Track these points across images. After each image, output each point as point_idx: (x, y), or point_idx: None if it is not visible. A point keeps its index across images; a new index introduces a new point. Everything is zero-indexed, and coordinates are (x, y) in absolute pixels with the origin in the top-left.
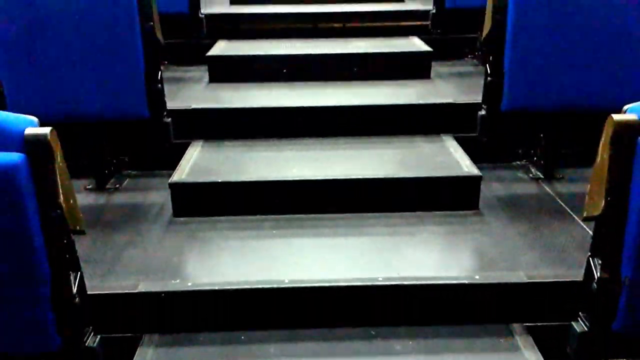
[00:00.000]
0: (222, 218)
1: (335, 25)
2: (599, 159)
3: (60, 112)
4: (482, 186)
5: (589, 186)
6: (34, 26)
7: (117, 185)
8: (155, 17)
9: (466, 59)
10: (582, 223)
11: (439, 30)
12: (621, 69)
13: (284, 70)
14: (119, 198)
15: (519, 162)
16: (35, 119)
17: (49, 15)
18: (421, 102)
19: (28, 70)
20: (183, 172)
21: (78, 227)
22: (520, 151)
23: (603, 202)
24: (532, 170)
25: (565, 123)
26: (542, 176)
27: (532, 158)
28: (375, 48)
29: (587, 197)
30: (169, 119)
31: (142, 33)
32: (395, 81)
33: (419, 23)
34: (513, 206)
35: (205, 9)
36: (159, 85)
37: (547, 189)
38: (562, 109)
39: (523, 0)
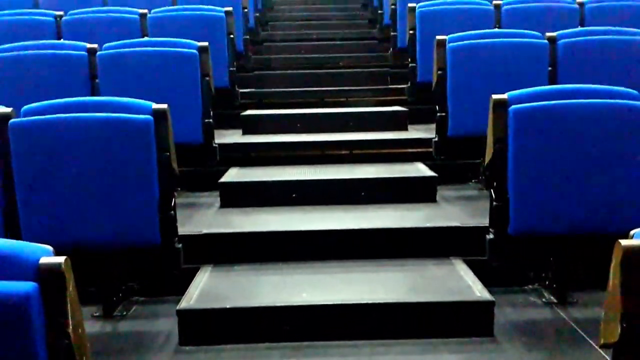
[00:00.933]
0: (229, 346)
1: (343, 152)
2: (610, 284)
3: (71, 239)
4: (495, 311)
5: (603, 312)
6: (52, 158)
7: (125, 312)
8: (172, 147)
9: (470, 183)
10: (600, 350)
11: (442, 157)
12: (625, 193)
13: (294, 195)
14: (126, 326)
15: (531, 286)
16: (50, 248)
17: (67, 146)
18: (429, 225)
19: (44, 198)
20: (191, 298)
21: (85, 358)
22: (532, 274)
23: (619, 328)
24: (545, 294)
25: (574, 246)
26: (555, 300)
27: (544, 281)
28: (382, 173)
29: (602, 323)
30: (180, 245)
31: (158, 163)
32: (402, 205)
33: (422, 150)
34: (529, 332)
35: (219, 139)
36: (172, 212)
37: (562, 314)
38: (570, 232)
39: (522, 130)
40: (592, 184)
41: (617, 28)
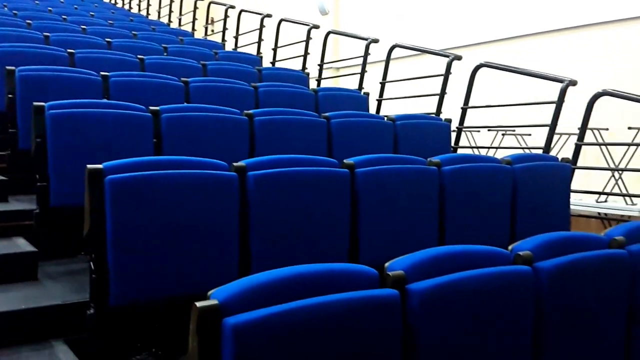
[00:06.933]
0: None
1: None
2: (190, 345)
3: None
4: None
5: None
6: None
7: None
8: None
9: (79, 256)
10: None
11: (45, 229)
12: (211, 257)
13: None
14: None
15: (139, 356)
16: None
17: None
18: (24, 307)
19: None
20: None
21: None
22: (139, 344)
23: None
24: None
25: (177, 311)
26: None
27: (152, 349)
28: None
29: None
30: None
31: None
32: None
33: (25, 223)
34: None
35: None
36: None
37: None
38: (171, 299)
39: (117, 200)
40: (186, 249)
41: (217, 106)
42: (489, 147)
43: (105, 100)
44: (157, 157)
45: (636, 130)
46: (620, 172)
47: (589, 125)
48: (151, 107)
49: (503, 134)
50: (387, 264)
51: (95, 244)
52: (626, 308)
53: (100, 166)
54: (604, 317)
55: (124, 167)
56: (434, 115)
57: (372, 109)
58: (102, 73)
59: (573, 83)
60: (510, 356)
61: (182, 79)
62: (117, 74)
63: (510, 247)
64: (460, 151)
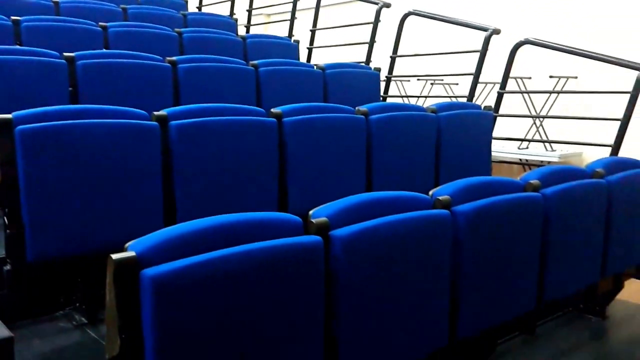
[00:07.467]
0: None
1: None
2: (108, 298)
3: None
4: (21, 346)
5: (106, 327)
6: None
7: None
8: None
9: None
10: None
11: None
12: (133, 209)
13: None
14: None
15: (62, 312)
16: None
17: None
18: None
19: None
20: None
21: None
22: (62, 299)
23: (119, 341)
24: (76, 317)
25: (98, 264)
26: (86, 321)
27: (75, 304)
28: None
29: (105, 338)
30: None
31: None
32: None
33: None
34: None
35: None
36: None
37: (92, 333)
38: (91, 251)
39: (29, 151)
40: (105, 201)
41: (138, 53)
42: (418, 96)
43: (16, 47)
44: (71, 106)
45: (557, 79)
46: (541, 119)
47: (513, 74)
48: (66, 54)
49: (432, 83)
50: (311, 212)
51: (8, 198)
52: (539, 247)
53: (9, 116)
54: (518, 256)
55: (36, 117)
56: (363, 64)
57: (303, 57)
58: (12, 17)
59: (496, 32)
60: (429, 296)
61: (101, 23)
62: (30, 19)
63: (430, 193)
64: (389, 100)
